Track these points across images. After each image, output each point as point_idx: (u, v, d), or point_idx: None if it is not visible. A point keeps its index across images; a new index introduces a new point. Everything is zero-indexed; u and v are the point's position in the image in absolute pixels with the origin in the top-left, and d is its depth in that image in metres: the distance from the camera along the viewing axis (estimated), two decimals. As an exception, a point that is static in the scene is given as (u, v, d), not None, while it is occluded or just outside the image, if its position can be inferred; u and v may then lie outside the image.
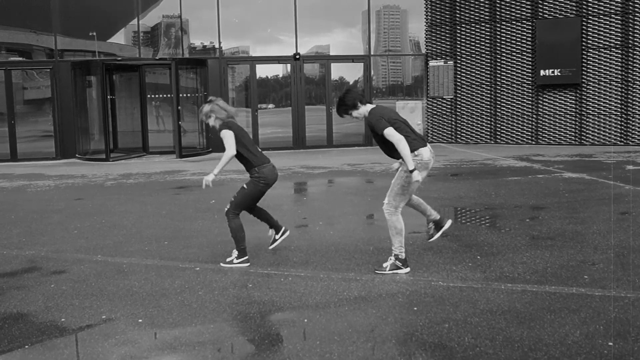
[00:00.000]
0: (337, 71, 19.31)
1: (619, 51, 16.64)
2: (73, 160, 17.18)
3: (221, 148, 6.15)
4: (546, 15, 17.25)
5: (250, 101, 18.66)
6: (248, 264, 6.17)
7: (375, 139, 5.87)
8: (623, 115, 16.78)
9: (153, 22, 19.19)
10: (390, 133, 5.51)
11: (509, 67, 17.77)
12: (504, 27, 17.74)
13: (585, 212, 8.14)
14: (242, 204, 6.18)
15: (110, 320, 4.83)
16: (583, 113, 17.17)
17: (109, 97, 17.56)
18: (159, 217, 8.80)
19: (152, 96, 18.74)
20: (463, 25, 18.20)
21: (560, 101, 17.36)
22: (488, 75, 18.05)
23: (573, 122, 17.30)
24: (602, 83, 16.88)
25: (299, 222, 8.17)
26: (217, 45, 18.53)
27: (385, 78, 20.42)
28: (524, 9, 17.49)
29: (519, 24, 17.56)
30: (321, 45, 19.85)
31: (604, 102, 16.92)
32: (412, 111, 18.91)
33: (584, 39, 16.87)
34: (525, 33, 17.51)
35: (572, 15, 16.96)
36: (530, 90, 17.64)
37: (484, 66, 18.07)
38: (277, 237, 6.45)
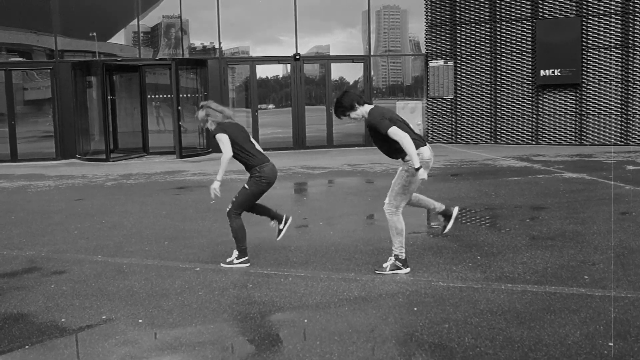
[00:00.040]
0: (337, 71, 19.31)
1: (619, 51, 16.64)
2: (73, 161, 17.18)
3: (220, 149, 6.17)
4: (546, 15, 17.25)
5: (251, 101, 18.66)
6: (248, 265, 6.18)
7: (374, 139, 5.83)
8: (623, 115, 16.78)
9: (153, 22, 19.20)
10: (394, 132, 5.49)
11: (509, 67, 17.77)
12: (504, 27, 17.74)
13: (586, 212, 8.14)
14: (244, 204, 6.18)
15: (111, 321, 4.83)
16: (583, 113, 17.17)
17: (109, 97, 17.56)
18: (159, 218, 8.80)
19: (152, 96, 18.75)
20: (463, 25, 18.21)
21: (560, 101, 17.36)
22: (488, 76, 18.05)
23: (573, 122, 17.30)
24: (602, 83, 16.88)
25: (299, 222, 8.17)
26: (217, 46, 18.54)
27: (386, 78, 20.43)
28: (524, 9, 17.49)
29: (519, 24, 17.57)
30: (321, 46, 19.86)
31: (604, 102, 16.92)
32: (412, 111, 18.91)
33: (584, 39, 16.87)
34: (525, 33, 17.51)
35: (572, 15, 16.97)
36: (530, 91, 17.64)
37: (484, 66, 18.07)
38: (281, 227, 6.43)
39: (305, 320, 4.70)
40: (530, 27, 17.43)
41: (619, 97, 16.78)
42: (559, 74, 17.00)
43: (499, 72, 17.90)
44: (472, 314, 4.69)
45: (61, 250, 7.08)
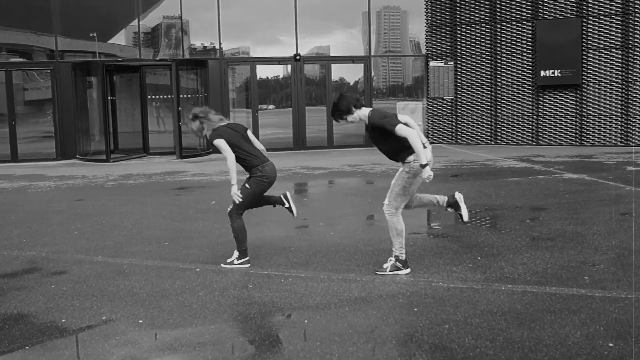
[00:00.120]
0: (338, 72, 19.31)
1: (619, 52, 16.64)
2: (73, 161, 17.18)
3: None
4: (546, 16, 17.25)
5: (251, 102, 18.66)
6: (249, 265, 6.18)
7: (375, 141, 5.81)
8: (623, 116, 16.78)
9: (153, 23, 19.21)
10: (402, 128, 5.49)
11: (509, 68, 17.77)
12: (504, 27, 17.74)
13: (586, 213, 8.14)
14: (246, 204, 6.18)
15: (111, 321, 4.83)
16: (583, 114, 17.16)
17: (109, 98, 17.57)
18: (160, 218, 8.80)
19: (153, 97, 18.76)
20: (463, 26, 18.21)
21: (560, 102, 17.36)
22: (488, 76, 18.05)
23: (573, 123, 17.30)
24: (602, 84, 16.88)
25: (300, 222, 8.17)
26: (217, 46, 18.54)
27: (386, 79, 20.43)
28: (524, 10, 17.49)
29: (519, 24, 17.57)
30: (321, 46, 19.87)
31: (604, 103, 16.92)
32: (413, 112, 18.91)
33: (584, 40, 16.87)
34: (525, 34, 17.51)
35: (573, 16, 16.96)
36: (530, 91, 17.64)
37: (484, 67, 18.07)
38: (287, 206, 6.46)
39: (306, 321, 4.70)
40: (530, 28, 17.43)
41: (619, 98, 16.77)
42: (559, 74, 17.00)
43: (499, 72, 17.90)
44: (473, 315, 4.69)
45: (61, 251, 7.08)
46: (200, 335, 4.49)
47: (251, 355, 4.19)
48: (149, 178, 13.24)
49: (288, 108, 18.80)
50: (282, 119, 18.82)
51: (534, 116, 17.67)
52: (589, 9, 16.79)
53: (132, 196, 10.92)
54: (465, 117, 18.42)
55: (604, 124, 16.98)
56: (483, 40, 18.00)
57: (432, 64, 18.69)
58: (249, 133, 6.36)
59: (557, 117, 17.44)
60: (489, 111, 18.15)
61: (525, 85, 17.67)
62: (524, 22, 17.50)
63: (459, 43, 18.30)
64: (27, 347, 4.40)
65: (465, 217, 6.04)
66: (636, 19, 16.38)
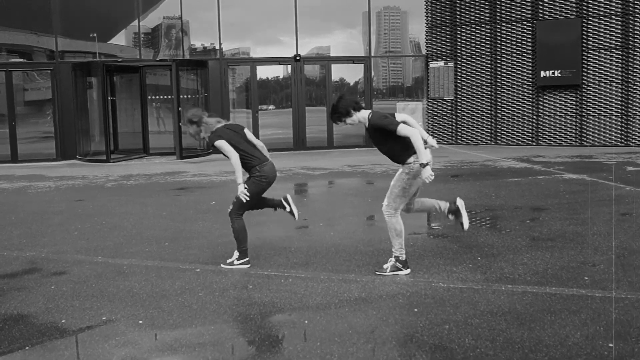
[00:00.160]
0: (338, 72, 19.32)
1: (619, 52, 16.64)
2: (73, 162, 17.18)
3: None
4: (546, 17, 17.25)
5: (251, 102, 18.66)
6: (249, 266, 6.18)
7: (375, 142, 5.81)
8: (623, 116, 16.77)
9: (153, 23, 19.21)
10: (403, 128, 5.49)
11: (509, 68, 17.77)
12: (504, 28, 17.74)
13: (586, 213, 8.14)
14: (245, 204, 6.18)
15: (111, 322, 4.83)
16: (583, 114, 17.16)
17: (109, 98, 17.57)
18: (160, 219, 8.80)
19: (153, 97, 18.76)
20: (463, 26, 18.21)
21: (560, 102, 17.36)
22: (488, 77, 18.05)
23: (573, 123, 17.30)
24: (602, 84, 16.88)
25: (300, 223, 8.16)
26: (217, 47, 18.54)
27: (386, 79, 20.44)
28: (524, 10, 17.49)
29: (519, 25, 17.57)
30: (321, 47, 19.87)
31: (604, 103, 16.92)
32: (413, 112, 18.91)
33: (584, 40, 16.87)
34: (525, 34, 17.51)
35: (572, 17, 16.97)
36: (530, 92, 17.64)
37: (484, 67, 18.07)
38: (288, 209, 6.46)
39: (306, 321, 4.70)
40: (530, 28, 17.43)
41: (619, 98, 16.77)
42: (559, 75, 17.00)
43: (499, 73, 17.90)
44: (473, 315, 4.69)
45: (61, 251, 7.08)
46: (200, 336, 4.49)
47: (251, 356, 4.19)
48: (149, 178, 13.24)
49: (288, 108, 18.80)
50: (282, 120, 18.82)
51: (534, 116, 17.66)
52: (589, 10, 16.79)
53: (132, 196, 10.92)
54: (465, 117, 18.43)
55: (604, 124, 16.98)
56: (483, 40, 18.00)
57: (432, 64, 18.69)
58: (247, 132, 6.36)
59: (557, 117, 17.44)
60: (489, 111, 18.15)
61: (525, 86, 17.67)
62: (524, 23, 17.51)
63: (459, 43, 18.30)
64: (27, 348, 4.40)
65: (466, 226, 6.03)
66: (636, 19, 16.38)
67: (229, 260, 6.24)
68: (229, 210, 6.21)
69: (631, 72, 16.57)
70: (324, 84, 18.99)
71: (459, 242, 6.89)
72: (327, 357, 4.06)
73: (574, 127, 17.29)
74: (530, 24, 17.43)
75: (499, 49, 17.83)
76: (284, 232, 7.59)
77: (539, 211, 8.46)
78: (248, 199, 6.04)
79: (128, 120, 18.83)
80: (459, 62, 18.35)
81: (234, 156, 6.01)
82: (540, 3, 17.28)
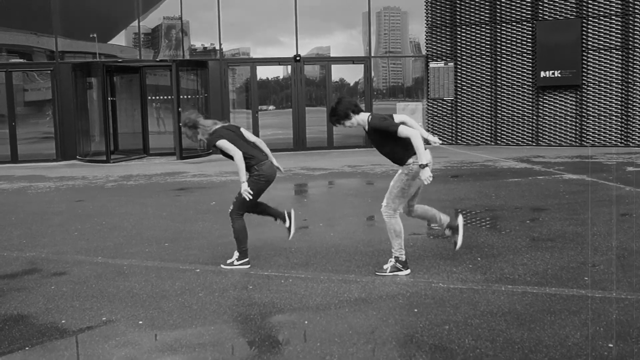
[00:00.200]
0: (338, 72, 19.32)
1: (619, 53, 16.64)
2: (73, 162, 17.18)
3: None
4: (546, 17, 17.25)
5: (251, 103, 18.67)
6: (249, 266, 6.18)
7: (376, 144, 5.82)
8: (623, 116, 16.77)
9: (153, 23, 19.21)
10: (403, 129, 5.50)
11: (509, 69, 17.78)
12: (504, 28, 17.74)
13: (586, 214, 8.14)
14: (245, 204, 6.18)
15: (111, 322, 4.83)
16: (583, 114, 17.16)
17: (109, 98, 17.57)
18: (160, 219, 8.80)
19: (153, 98, 18.76)
20: (463, 26, 18.21)
21: (560, 102, 17.36)
22: (488, 77, 18.05)
23: (573, 123, 17.30)
24: (602, 84, 16.88)
25: (300, 223, 8.16)
26: (217, 47, 18.55)
27: (386, 79, 20.44)
28: (524, 11, 17.49)
29: (519, 25, 17.57)
30: (321, 47, 19.87)
31: (604, 104, 16.92)
32: (413, 113, 18.91)
33: (584, 41, 16.87)
34: (525, 34, 17.51)
35: (572, 17, 16.97)
36: (530, 92, 17.64)
37: (484, 68, 18.07)
38: (287, 225, 6.43)
39: (306, 322, 4.70)
40: (530, 29, 17.43)
41: (619, 98, 16.77)
42: (559, 75, 17.00)
43: (499, 73, 17.90)
44: (473, 316, 4.69)
45: (61, 252, 7.08)
46: (200, 336, 4.49)
47: (251, 356, 4.19)
48: (149, 179, 13.24)
49: (288, 109, 18.81)
50: (282, 120, 18.82)
51: (534, 117, 17.67)
52: (589, 10, 16.79)
53: (132, 197, 10.92)
54: (465, 117, 18.43)
55: (604, 124, 16.98)
56: (483, 41, 18.00)
57: (432, 64, 18.69)
58: (243, 130, 6.38)
59: (557, 117, 17.44)
60: (489, 112, 18.15)
61: (525, 86, 17.67)
62: (524, 23, 17.51)
63: (459, 44, 18.30)
64: (27, 348, 4.40)
65: (458, 246, 6.10)
66: (636, 20, 16.38)
67: (229, 261, 6.24)
68: (230, 210, 6.22)
69: (631, 73, 16.57)
70: (324, 85, 18.99)
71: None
72: (327, 358, 4.06)
73: (574, 127, 17.30)
74: (530, 25, 17.43)
75: (499, 50, 17.84)
76: (284, 233, 7.57)
77: (539, 211, 8.46)
78: (250, 197, 6.04)
79: (128, 121, 18.83)
80: (459, 63, 18.35)
81: (238, 154, 6.01)
82: (540, 3, 17.28)
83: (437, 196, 9.61)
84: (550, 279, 5.52)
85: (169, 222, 8.57)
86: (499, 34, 17.79)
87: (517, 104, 17.79)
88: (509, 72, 17.78)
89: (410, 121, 5.85)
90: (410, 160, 5.60)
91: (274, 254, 6.57)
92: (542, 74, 17.14)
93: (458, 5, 18.22)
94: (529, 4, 17.40)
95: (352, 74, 19.56)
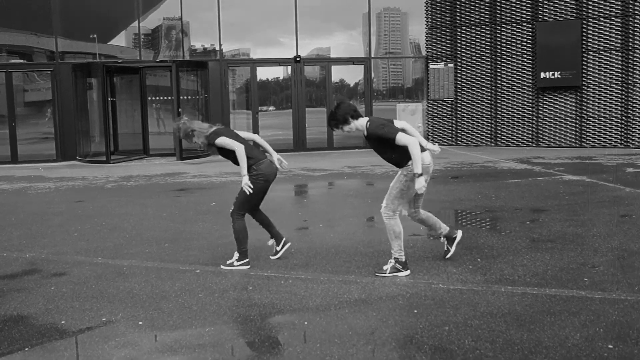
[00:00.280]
0: (338, 73, 19.32)
1: (619, 54, 16.64)
2: (73, 163, 17.18)
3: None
4: (546, 18, 17.26)
5: (251, 103, 18.67)
6: (249, 267, 6.18)
7: (376, 149, 5.83)
8: (623, 117, 16.78)
9: (154, 24, 19.22)
10: (401, 137, 5.51)
11: (510, 70, 17.78)
12: (504, 29, 17.75)
13: (586, 215, 8.14)
14: (246, 204, 6.18)
15: (111, 323, 4.83)
16: (583, 115, 17.17)
17: (109, 99, 17.57)
18: (160, 220, 8.80)
19: (153, 98, 18.76)
20: (463, 27, 18.22)
21: (560, 103, 17.37)
22: (488, 78, 18.05)
23: (573, 124, 17.30)
24: (602, 85, 16.88)
25: (300, 224, 8.18)
26: (217, 48, 18.55)
27: (386, 80, 20.44)
28: (524, 12, 17.50)
29: (519, 26, 17.57)
30: (322, 48, 19.87)
31: (604, 105, 16.92)
32: (413, 114, 18.92)
33: (584, 42, 16.87)
34: (525, 35, 17.51)
35: (572, 18, 16.97)
36: (530, 93, 17.65)
37: (484, 68, 18.07)
38: (278, 248, 6.45)
39: (306, 323, 4.70)
40: (530, 30, 17.44)
41: (619, 99, 16.77)
42: (559, 76, 17.00)
43: (499, 74, 17.90)
44: (472, 317, 4.69)
45: (61, 252, 7.08)
46: (200, 337, 4.49)
47: (251, 357, 4.19)
48: (149, 179, 13.24)
49: (288, 110, 18.80)
50: (282, 121, 18.82)
51: (534, 118, 17.67)
52: (589, 11, 16.79)
53: (132, 197, 10.92)
54: (465, 118, 18.43)
55: (604, 125, 16.98)
56: (483, 41, 18.01)
57: (432, 65, 18.70)
58: (240, 132, 6.40)
59: (557, 118, 17.44)
60: (489, 113, 18.16)
61: (525, 87, 17.68)
62: (524, 24, 17.51)
63: (459, 45, 18.31)
64: (26, 349, 4.40)
65: (449, 255, 6.17)
66: (636, 21, 16.38)
67: (229, 262, 6.24)
68: (231, 210, 6.22)
69: (631, 74, 16.57)
70: (324, 85, 18.99)
71: (458, 243, 6.88)
72: (326, 359, 4.06)
73: (573, 128, 17.30)
74: (530, 26, 17.44)
75: (499, 50, 17.84)
76: (284, 233, 7.55)
77: (539, 212, 8.46)
78: (251, 191, 6.04)
79: (128, 121, 18.84)
80: (459, 64, 18.36)
81: (239, 147, 6.01)
82: (540, 4, 17.29)
83: (437, 197, 9.61)
84: (550, 280, 5.52)
85: (169, 222, 8.57)
86: (499, 35, 17.79)
87: (517, 105, 17.79)
88: (509, 73, 17.79)
89: (410, 128, 5.86)
90: (410, 162, 5.60)
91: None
92: (542, 75, 17.15)
93: (458, 6, 18.22)
94: (529, 5, 17.41)
95: (352, 75, 19.56)
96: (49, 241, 7.66)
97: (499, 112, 18.02)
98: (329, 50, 19.76)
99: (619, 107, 16.79)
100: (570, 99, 17.25)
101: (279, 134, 18.78)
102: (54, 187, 12.56)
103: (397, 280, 5.64)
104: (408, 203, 5.90)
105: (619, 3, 16.51)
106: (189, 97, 18.32)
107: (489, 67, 18.01)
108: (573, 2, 16.95)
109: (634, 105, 16.63)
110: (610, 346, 4.10)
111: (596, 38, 16.77)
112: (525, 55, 17.55)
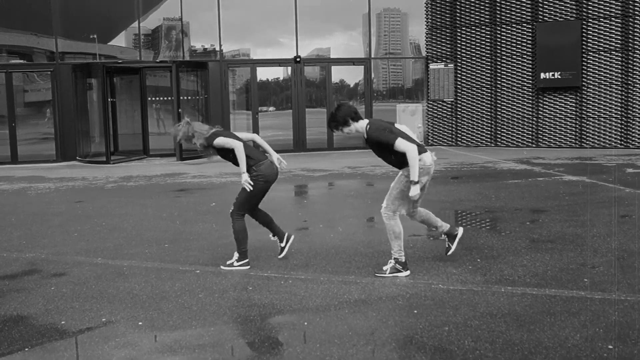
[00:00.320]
0: (338, 74, 19.33)
1: (619, 54, 16.64)
2: (73, 163, 17.18)
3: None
4: (546, 18, 17.26)
5: (251, 104, 18.67)
6: (248, 267, 6.18)
7: (376, 152, 5.84)
8: (623, 118, 16.78)
9: (154, 24, 19.22)
10: (400, 143, 5.52)
11: (509, 70, 17.78)
12: (504, 30, 17.75)
13: (586, 215, 8.14)
14: (245, 204, 6.18)
15: (111, 323, 4.83)
16: (583, 116, 17.17)
17: (109, 99, 17.58)
18: (160, 220, 8.80)
19: (153, 99, 18.77)
20: (463, 28, 18.22)
21: (560, 104, 17.37)
22: (488, 78, 18.06)
23: (573, 125, 17.30)
24: (602, 86, 16.89)
25: (300, 224, 8.18)
26: (217, 48, 18.55)
27: (386, 81, 20.44)
28: (524, 12, 17.50)
29: (519, 26, 17.58)
30: (322, 48, 19.88)
31: (604, 105, 16.92)
32: (413, 114, 18.92)
33: (584, 42, 16.88)
34: (525, 36, 17.52)
35: (572, 18, 16.97)
36: (530, 93, 17.65)
37: (484, 69, 18.08)
38: (282, 245, 6.44)
39: (306, 323, 4.70)
40: (530, 30, 17.44)
41: (619, 100, 16.78)
42: (559, 76, 17.00)
43: (499, 74, 17.91)
44: (472, 317, 4.69)
45: (61, 253, 7.08)
46: (200, 337, 4.49)
47: (251, 358, 4.19)
48: (149, 180, 13.24)
49: (288, 110, 18.81)
50: (282, 121, 18.82)
51: (534, 118, 17.67)
52: (589, 12, 16.79)
53: (132, 198, 10.92)
54: (465, 119, 18.43)
55: (604, 126, 16.98)
56: (483, 42, 18.01)
57: (432, 66, 18.70)
58: (239, 134, 6.40)
59: (557, 119, 17.45)
60: (489, 113, 18.16)
61: (525, 88, 17.68)
62: (524, 25, 17.51)
63: (459, 45, 18.31)
64: (26, 349, 4.40)
65: (450, 252, 6.17)
66: (636, 21, 16.38)
67: (228, 262, 6.24)
68: (231, 210, 6.22)
69: (631, 74, 16.58)
70: (324, 86, 19.00)
71: (458, 243, 6.87)
72: (326, 359, 4.06)
73: (573, 128, 17.30)
74: (530, 26, 17.44)
75: (499, 51, 17.84)
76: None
77: (539, 213, 8.46)
78: (252, 188, 6.04)
79: (128, 122, 18.84)
80: (459, 64, 18.36)
81: (238, 144, 6.01)
82: (540, 5, 17.29)
83: (437, 197, 9.61)
84: (550, 280, 5.52)
85: (169, 223, 8.57)
86: (499, 36, 17.80)
87: (517, 105, 17.80)
88: (509, 74, 17.79)
89: (409, 133, 5.87)
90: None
91: (273, 255, 6.57)
92: (542, 75, 17.15)
93: (458, 7, 18.22)
94: (528, 6, 17.42)
95: (352, 75, 19.57)
96: (49, 241, 7.66)
97: (499, 113, 18.02)
98: (329, 50, 19.77)
99: (618, 108, 16.79)
100: (570, 100, 17.25)
101: (279, 134, 18.78)
102: (54, 187, 12.57)
103: (397, 280, 5.64)
104: (408, 203, 5.91)
105: (619, 4, 16.51)
106: (189, 98, 18.32)
107: (489, 67, 18.01)
108: (573, 2, 16.95)
109: (634, 105, 16.63)
110: (610, 347, 4.10)
111: (596, 39, 16.78)
112: (525, 56, 17.56)
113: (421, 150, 5.71)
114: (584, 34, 16.85)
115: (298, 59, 18.45)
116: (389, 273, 5.76)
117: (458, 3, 18.21)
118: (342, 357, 4.08)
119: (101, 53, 18.95)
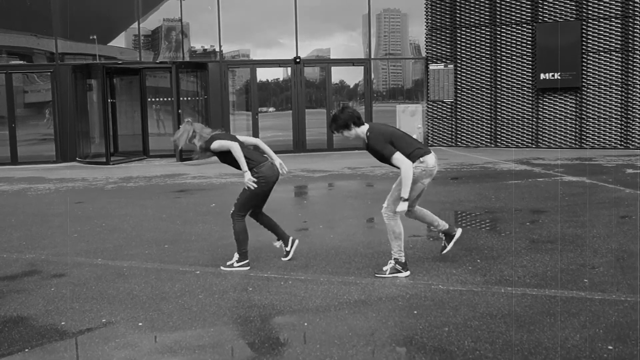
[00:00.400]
0: (338, 74, 19.33)
1: (619, 55, 16.65)
2: (73, 164, 17.18)
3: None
4: (546, 19, 17.27)
5: (251, 104, 18.67)
6: (248, 268, 6.18)
7: (376, 158, 5.86)
8: (623, 118, 16.78)
9: (154, 25, 19.22)
10: (397, 157, 5.54)
11: (509, 71, 17.79)
12: (504, 30, 17.75)
13: (585, 216, 8.14)
14: (246, 205, 6.18)
15: (111, 324, 4.83)
16: (583, 116, 17.17)
17: (109, 100, 17.58)
18: (159, 221, 8.80)
19: (153, 99, 18.77)
20: (463, 28, 18.22)
21: (560, 105, 17.37)
22: (488, 79, 18.06)
23: (573, 125, 17.31)
24: (602, 86, 16.89)
25: (300, 225, 8.18)
26: (217, 49, 18.56)
27: (386, 81, 20.45)
28: (524, 13, 17.51)
29: (519, 27, 17.58)
30: (321, 49, 19.88)
31: (604, 106, 16.93)
32: (413, 115, 18.93)
33: (584, 43, 16.88)
34: (525, 36, 17.52)
35: (572, 19, 16.98)
36: (530, 94, 17.65)
37: (484, 69, 18.08)
38: (287, 249, 6.45)
39: (305, 324, 4.70)
40: (530, 31, 17.45)
41: (618, 100, 16.78)
42: (559, 77, 17.01)
43: (499, 75, 17.91)
44: (472, 318, 4.69)
45: (61, 253, 7.08)
46: (200, 338, 4.49)
47: (251, 358, 4.19)
48: (148, 181, 13.24)
49: (288, 111, 18.81)
50: (282, 122, 18.82)
51: (534, 119, 17.67)
52: (589, 12, 16.80)
53: (132, 199, 10.92)
54: (465, 119, 18.43)
55: (604, 126, 16.98)
56: (483, 43, 18.01)
57: (432, 66, 18.70)
58: (240, 137, 6.40)
59: (557, 120, 17.45)
60: (488, 114, 18.16)
61: (525, 88, 17.68)
62: (524, 25, 17.52)
63: (459, 46, 18.31)
64: (26, 350, 4.40)
65: (445, 251, 6.20)
66: (636, 22, 16.39)
67: (228, 263, 6.24)
68: (231, 211, 6.22)
69: (631, 75, 16.58)
70: (324, 87, 19.00)
71: (458, 244, 6.87)
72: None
73: (573, 129, 17.30)
74: (530, 27, 17.44)
75: (498, 52, 17.85)
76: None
77: (539, 214, 8.46)
78: (255, 186, 6.04)
79: (128, 123, 18.84)
80: (459, 65, 18.36)
81: (235, 146, 6.02)
82: (540, 5, 17.30)
83: (437, 198, 9.61)
84: (549, 281, 5.52)
85: (169, 223, 8.57)
86: (498, 36, 17.80)
87: (517, 106, 17.80)
88: (509, 74, 17.79)
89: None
90: (416, 163, 5.64)
91: (273, 256, 6.57)
92: (542, 76, 17.15)
93: (458, 7, 18.23)
94: (528, 6, 17.42)
95: (352, 76, 19.57)
96: (49, 242, 7.66)
97: (499, 113, 18.02)
98: (328, 51, 19.77)
99: (618, 108, 16.80)
100: (570, 100, 17.25)
101: (279, 135, 18.78)
102: (54, 188, 12.57)
103: (396, 281, 5.64)
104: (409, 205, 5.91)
105: (619, 4, 16.51)
106: (189, 99, 18.32)
107: (488, 68, 18.01)
108: (573, 3, 16.96)
109: (634, 106, 16.64)
110: (610, 347, 4.11)
111: (596, 39, 16.78)
112: (525, 57, 17.56)
113: (425, 152, 5.73)
114: (584, 35, 16.86)
115: (298, 60, 18.46)
116: (389, 273, 5.76)
117: (458, 4, 18.21)
118: (342, 358, 4.08)
119: (101, 54, 18.96)
